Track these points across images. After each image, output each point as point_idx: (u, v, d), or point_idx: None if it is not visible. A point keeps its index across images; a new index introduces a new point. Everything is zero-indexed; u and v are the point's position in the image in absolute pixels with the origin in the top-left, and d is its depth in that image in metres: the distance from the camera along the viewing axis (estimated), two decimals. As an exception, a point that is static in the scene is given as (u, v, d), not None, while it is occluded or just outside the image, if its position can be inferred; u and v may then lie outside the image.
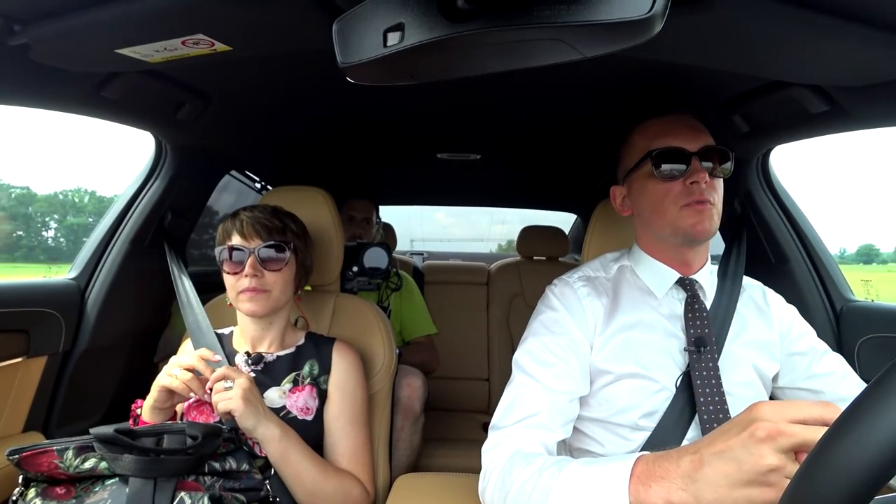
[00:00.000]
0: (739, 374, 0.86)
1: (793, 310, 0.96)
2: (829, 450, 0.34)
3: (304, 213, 1.14)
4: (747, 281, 0.99)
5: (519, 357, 0.86)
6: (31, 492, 0.76)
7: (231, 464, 0.84)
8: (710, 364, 0.82)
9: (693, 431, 0.81)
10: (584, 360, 0.85)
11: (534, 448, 0.75)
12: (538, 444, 0.76)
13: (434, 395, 1.91)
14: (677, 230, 0.85)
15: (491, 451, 0.77)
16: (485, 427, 0.85)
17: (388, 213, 2.50)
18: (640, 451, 0.70)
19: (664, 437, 0.79)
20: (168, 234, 1.41)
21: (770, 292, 0.98)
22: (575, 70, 1.02)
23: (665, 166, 0.85)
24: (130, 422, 0.92)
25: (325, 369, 1.06)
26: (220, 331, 1.12)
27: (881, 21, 0.66)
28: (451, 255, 3.49)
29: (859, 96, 0.90)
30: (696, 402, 0.80)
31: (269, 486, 0.87)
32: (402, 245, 3.46)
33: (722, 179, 0.87)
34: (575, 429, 0.87)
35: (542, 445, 0.76)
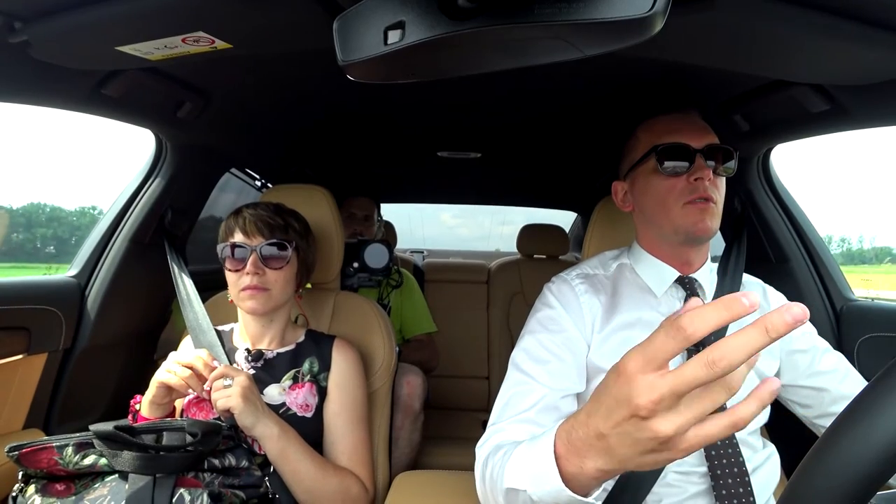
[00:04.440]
0: None
1: None
2: (830, 448, 0.34)
3: (304, 210, 1.14)
4: (747, 279, 0.98)
5: (515, 355, 0.87)
6: (31, 488, 0.76)
7: (230, 460, 0.84)
8: None
9: None
10: (580, 357, 0.85)
11: (516, 440, 0.75)
12: (527, 437, 0.76)
13: (434, 394, 1.92)
14: (679, 228, 0.85)
15: (481, 447, 0.78)
16: (484, 425, 0.85)
17: (393, 214, 2.49)
18: None
19: None
20: (168, 232, 1.41)
21: (770, 290, 0.98)
22: (575, 69, 1.02)
23: (669, 162, 0.85)
24: (129, 417, 0.93)
25: (325, 366, 1.06)
26: (220, 328, 1.13)
27: (882, 21, 0.65)
28: (455, 252, 3.50)
29: (860, 96, 0.90)
30: None
31: (268, 483, 0.87)
32: (417, 246, 3.48)
33: (724, 178, 0.87)
34: None
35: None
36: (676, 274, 0.89)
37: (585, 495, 0.53)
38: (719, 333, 0.86)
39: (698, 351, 0.85)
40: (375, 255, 1.59)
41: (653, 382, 0.42)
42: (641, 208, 0.92)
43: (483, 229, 4.83)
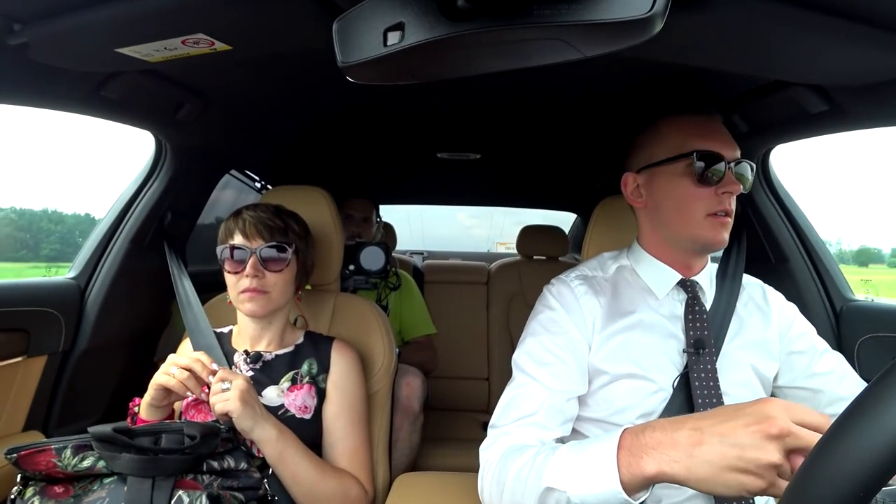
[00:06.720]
0: (737, 374, 0.86)
1: (793, 308, 0.96)
2: (830, 449, 0.34)
3: (303, 212, 1.14)
4: (747, 279, 0.98)
5: (518, 357, 0.86)
6: (30, 491, 0.76)
7: (229, 462, 0.84)
8: (709, 366, 0.82)
9: None
10: (582, 359, 0.85)
11: (530, 444, 0.76)
12: (535, 441, 0.76)
13: (434, 395, 1.91)
14: (697, 238, 0.85)
15: (488, 449, 0.78)
16: (484, 426, 0.85)
17: (405, 215, 2.47)
18: None
19: None
20: (168, 233, 1.41)
21: (770, 291, 0.98)
22: (574, 70, 1.02)
23: (705, 170, 0.82)
24: (128, 419, 0.92)
25: (324, 368, 1.06)
26: (219, 330, 1.12)
27: (881, 21, 0.66)
28: (455, 254, 3.50)
29: (859, 96, 0.90)
30: (694, 403, 0.80)
31: (267, 485, 0.87)
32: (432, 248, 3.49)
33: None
34: (573, 429, 0.87)
35: (539, 443, 0.76)
36: (678, 276, 0.89)
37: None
38: (721, 331, 0.87)
39: (698, 354, 0.85)
40: (371, 258, 1.58)
41: (796, 406, 0.51)
42: (656, 208, 0.90)
43: (498, 230, 4.84)
